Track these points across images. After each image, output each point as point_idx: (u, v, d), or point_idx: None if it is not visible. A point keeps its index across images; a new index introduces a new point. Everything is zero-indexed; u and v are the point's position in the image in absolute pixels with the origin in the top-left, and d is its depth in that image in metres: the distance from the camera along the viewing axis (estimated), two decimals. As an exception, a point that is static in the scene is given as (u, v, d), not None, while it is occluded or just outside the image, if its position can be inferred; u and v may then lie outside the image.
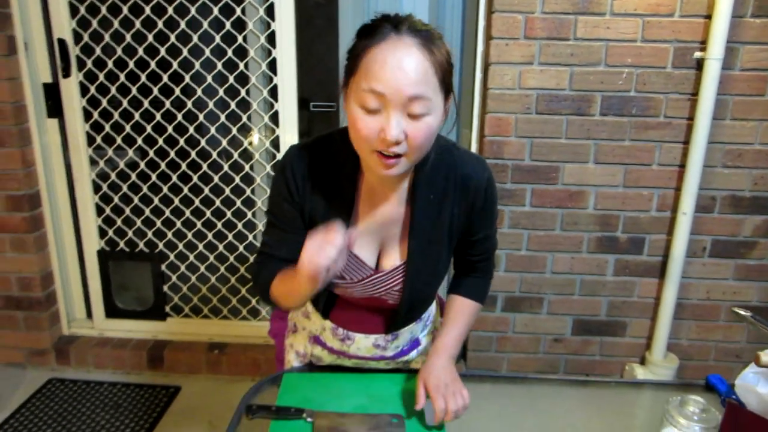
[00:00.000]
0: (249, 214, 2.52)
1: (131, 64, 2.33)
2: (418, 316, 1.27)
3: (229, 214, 2.50)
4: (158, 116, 2.40)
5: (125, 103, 2.39)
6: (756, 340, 2.29)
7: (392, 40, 0.91)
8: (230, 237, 2.55)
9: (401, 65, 0.90)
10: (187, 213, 2.52)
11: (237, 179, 2.47)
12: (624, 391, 1.32)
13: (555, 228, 2.23)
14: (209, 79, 2.33)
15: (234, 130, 2.41)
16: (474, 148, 2.23)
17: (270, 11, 2.24)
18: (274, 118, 2.37)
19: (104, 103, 2.38)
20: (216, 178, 2.47)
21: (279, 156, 2.41)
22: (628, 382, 1.37)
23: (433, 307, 1.35)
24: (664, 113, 2.07)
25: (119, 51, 2.31)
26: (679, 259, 2.17)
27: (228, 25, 2.26)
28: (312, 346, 1.33)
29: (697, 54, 2.00)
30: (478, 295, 1.25)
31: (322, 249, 0.91)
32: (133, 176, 2.50)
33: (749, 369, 1.13)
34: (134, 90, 2.36)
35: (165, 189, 2.49)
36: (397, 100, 0.91)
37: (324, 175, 1.10)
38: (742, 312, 1.08)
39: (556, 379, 1.34)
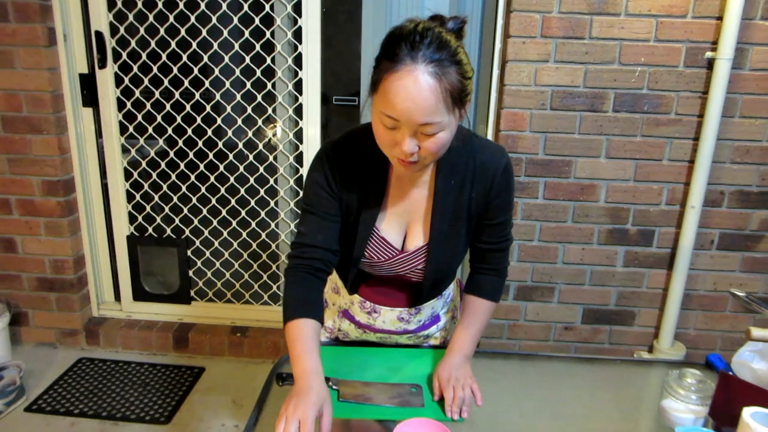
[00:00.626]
0: (272, 203, 2.62)
1: (164, 57, 2.44)
2: (439, 293, 1.36)
3: (252, 202, 2.61)
4: (188, 107, 2.51)
5: (157, 94, 2.50)
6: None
7: (407, 70, 0.97)
8: (253, 225, 2.65)
9: (412, 97, 0.97)
10: (213, 201, 2.63)
11: (261, 169, 2.57)
12: (629, 368, 1.40)
13: (567, 220, 2.31)
14: (237, 72, 2.43)
15: (260, 122, 2.52)
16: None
17: (297, 8, 2.34)
18: (298, 111, 2.47)
19: (137, 93, 2.50)
20: (241, 168, 2.58)
21: (302, 147, 2.51)
22: (632, 360, 1.45)
23: (452, 286, 1.44)
24: (675, 110, 2.15)
25: (153, 44, 2.43)
26: (687, 251, 2.25)
27: (257, 20, 2.37)
28: (340, 320, 1.43)
29: (708, 54, 2.07)
30: (492, 294, 1.32)
31: None
32: (163, 165, 2.62)
33: (745, 347, 1.22)
34: (166, 82, 2.47)
35: (192, 177, 2.61)
36: (409, 125, 1.01)
37: (357, 167, 1.21)
38: (737, 292, 1.16)
39: (565, 357, 1.43)
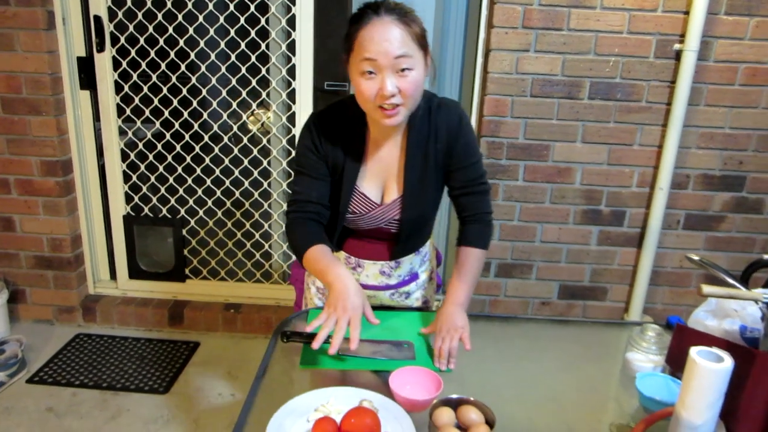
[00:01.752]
0: (265, 184, 2.73)
1: (161, 42, 2.53)
2: (415, 247, 1.51)
3: (246, 183, 2.72)
4: (184, 91, 2.60)
5: (154, 78, 2.58)
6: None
7: (375, 21, 1.19)
8: (247, 205, 2.76)
9: (385, 36, 1.18)
10: (208, 182, 2.73)
11: (255, 151, 2.68)
12: (599, 328, 1.56)
13: (545, 201, 2.46)
14: (233, 57, 2.53)
15: (254, 106, 2.62)
16: (474, 128, 2.45)
17: (291, -4, 2.44)
18: (291, 96, 2.58)
19: (134, 77, 2.58)
20: (236, 150, 2.68)
21: (294, 131, 2.62)
22: (602, 321, 1.61)
23: (428, 247, 1.59)
24: (645, 98, 2.31)
25: (150, 29, 2.51)
26: (655, 230, 2.41)
27: (252, 7, 2.46)
28: None
29: (677, 46, 2.23)
30: (477, 241, 1.45)
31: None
32: (159, 146, 2.70)
33: (700, 308, 1.37)
34: (163, 66, 2.56)
35: (188, 159, 2.70)
36: (386, 62, 1.18)
37: (340, 132, 1.38)
38: (693, 257, 1.31)
39: (542, 319, 1.58)
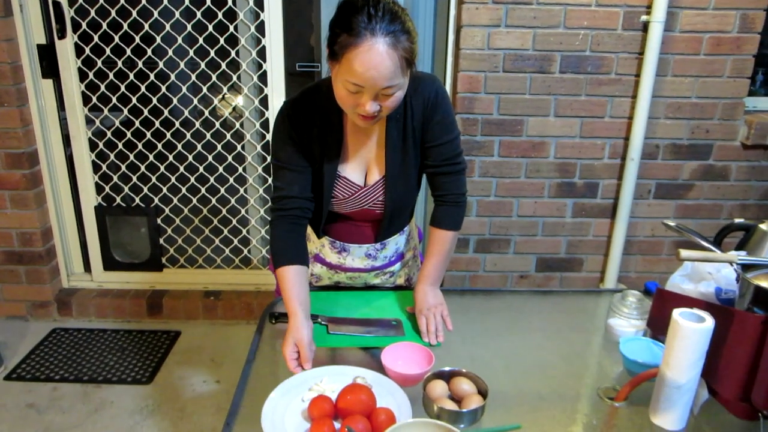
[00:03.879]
0: (240, 169, 2.70)
1: (125, 26, 2.45)
2: (400, 226, 1.51)
3: (221, 169, 2.68)
4: (152, 76, 2.54)
5: (119, 64, 2.51)
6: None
7: (367, 44, 1.10)
8: (222, 191, 2.73)
9: (375, 66, 1.11)
10: (181, 169, 2.68)
11: (228, 136, 2.64)
12: (580, 297, 1.60)
13: (520, 176, 2.49)
14: (201, 40, 2.48)
15: (225, 89, 2.57)
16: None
17: (258, -24, 2.39)
18: (263, 78, 2.54)
19: (99, 63, 2.51)
20: (208, 135, 2.64)
21: (267, 114, 2.59)
22: (583, 291, 1.65)
23: (413, 225, 1.60)
24: (615, 71, 2.34)
25: (113, 13, 2.43)
26: (627, 201, 2.47)
27: (218, -11, 2.41)
28: (312, 265, 1.56)
29: (643, 17, 2.26)
30: (449, 224, 1.45)
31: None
32: (128, 134, 2.64)
33: (677, 272, 1.42)
34: (128, 51, 2.49)
35: (159, 146, 2.65)
36: (372, 90, 1.15)
37: (316, 119, 1.34)
38: (670, 223, 1.35)
39: (524, 291, 1.61)
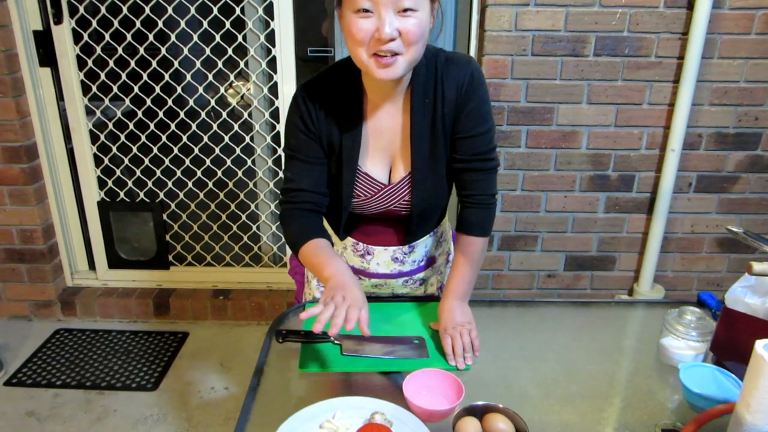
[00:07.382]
0: (249, 162, 2.55)
1: (125, 10, 2.30)
2: (429, 228, 1.34)
3: (229, 162, 2.53)
4: (154, 63, 2.38)
5: (120, 51, 2.36)
6: (735, 270, 2.44)
7: None
8: (231, 185, 2.58)
9: None
10: (187, 161, 2.54)
11: (236, 126, 2.48)
12: (621, 309, 1.42)
13: (549, 168, 2.31)
14: (205, 24, 2.31)
15: (232, 77, 2.41)
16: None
17: (265, -46, 2.21)
18: (272, 64, 2.37)
19: (98, 50, 2.36)
20: (215, 126, 2.48)
21: (277, 103, 2.43)
22: (624, 302, 1.47)
23: (446, 225, 1.42)
24: (655, 53, 2.14)
25: (112, -4, 2.28)
26: (666, 195, 2.28)
27: (222, -32, 2.24)
28: None
29: (689, -7, 2.05)
30: (479, 229, 1.26)
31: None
32: (131, 125, 2.50)
33: (737, 284, 1.24)
34: (129, 37, 2.34)
35: (164, 138, 2.50)
36: (385, 6, 0.98)
37: (332, 105, 1.18)
38: (734, 229, 1.17)
39: (560, 302, 1.44)
